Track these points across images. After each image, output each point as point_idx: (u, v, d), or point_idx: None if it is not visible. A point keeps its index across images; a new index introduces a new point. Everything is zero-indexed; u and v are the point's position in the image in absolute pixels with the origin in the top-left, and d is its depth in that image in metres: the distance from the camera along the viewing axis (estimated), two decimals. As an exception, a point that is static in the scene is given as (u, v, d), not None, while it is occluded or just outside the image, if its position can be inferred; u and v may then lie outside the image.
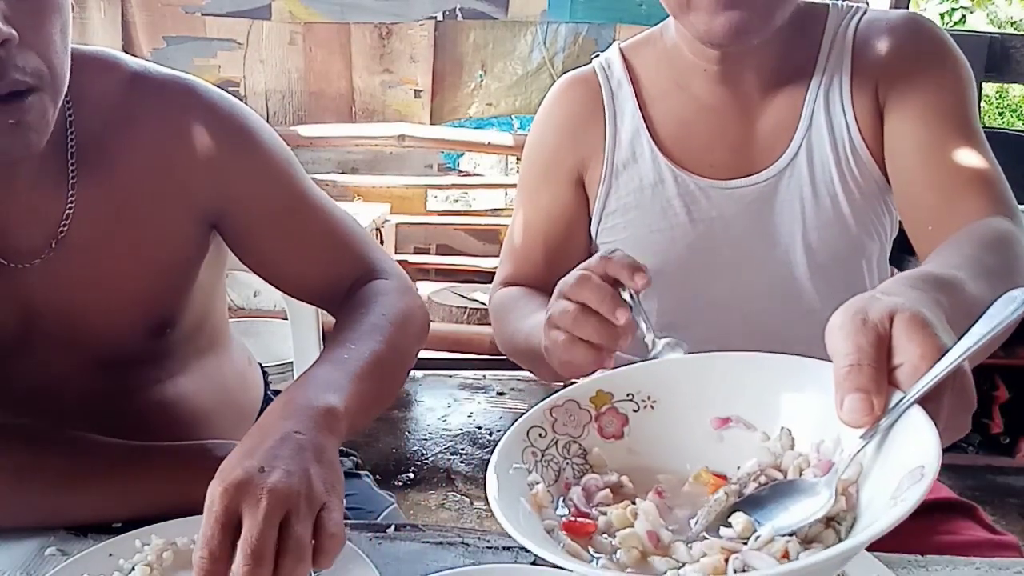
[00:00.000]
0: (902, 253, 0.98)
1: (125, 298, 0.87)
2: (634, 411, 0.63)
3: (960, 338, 0.51)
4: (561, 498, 0.58)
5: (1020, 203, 0.89)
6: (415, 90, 3.24)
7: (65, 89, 0.76)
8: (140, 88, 0.85)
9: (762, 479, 0.56)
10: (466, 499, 2.40)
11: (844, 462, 0.52)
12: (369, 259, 0.95)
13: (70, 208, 0.82)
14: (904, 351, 0.51)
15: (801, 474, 0.56)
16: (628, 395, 0.63)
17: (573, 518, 0.56)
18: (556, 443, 0.61)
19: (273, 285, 0.97)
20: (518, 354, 1.00)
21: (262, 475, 0.62)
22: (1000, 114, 5.99)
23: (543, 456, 0.60)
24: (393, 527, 0.78)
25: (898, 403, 0.50)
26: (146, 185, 0.84)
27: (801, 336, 1.00)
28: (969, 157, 0.89)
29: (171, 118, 0.85)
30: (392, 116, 3.23)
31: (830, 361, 0.53)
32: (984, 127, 0.95)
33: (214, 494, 0.61)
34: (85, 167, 0.82)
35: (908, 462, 0.47)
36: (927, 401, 0.49)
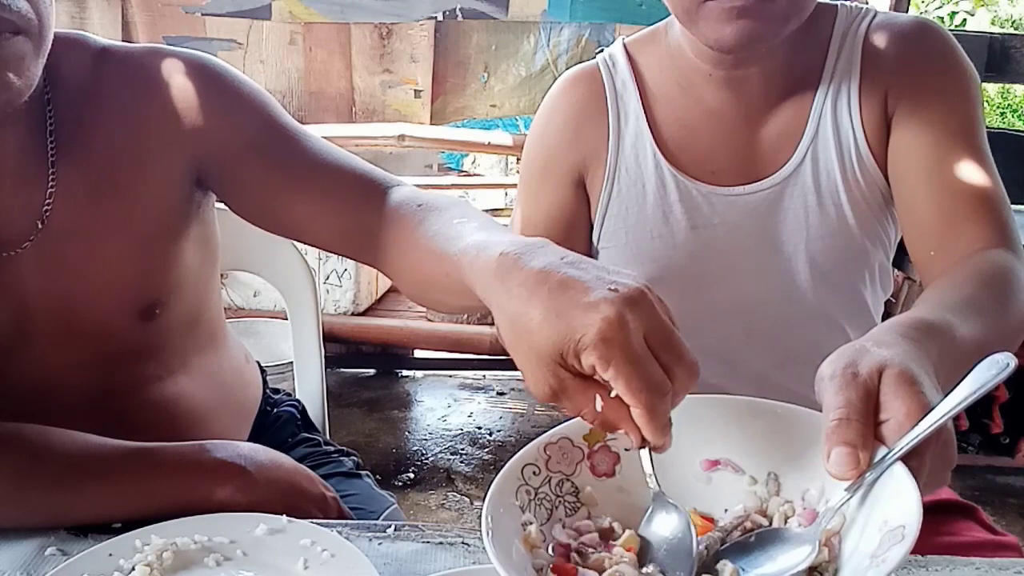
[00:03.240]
0: (903, 254, 0.98)
1: (113, 277, 0.87)
2: (626, 449, 0.63)
3: (944, 397, 0.53)
4: (553, 541, 0.59)
5: (1021, 203, 0.89)
6: (415, 90, 3.23)
7: (49, 44, 0.77)
8: (107, 60, 0.86)
9: (747, 524, 0.58)
10: (466, 499, 2.40)
11: (828, 513, 0.54)
12: (379, 176, 0.88)
13: (51, 189, 0.82)
14: (891, 407, 0.53)
15: (786, 522, 0.57)
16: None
17: (556, 556, 0.57)
18: (549, 481, 0.61)
19: (286, 235, 0.92)
20: None
21: (620, 297, 0.53)
22: (1002, 114, 5.98)
23: (536, 494, 0.60)
24: (393, 527, 0.78)
25: (883, 458, 0.52)
26: (123, 154, 0.85)
27: (803, 344, 1.00)
28: (974, 181, 0.89)
29: (138, 81, 0.86)
30: (392, 116, 3.22)
31: (819, 409, 0.55)
32: (985, 128, 0.94)
33: (611, 325, 0.52)
34: (64, 146, 0.83)
35: (889, 520, 0.49)
36: (910, 457, 0.51)
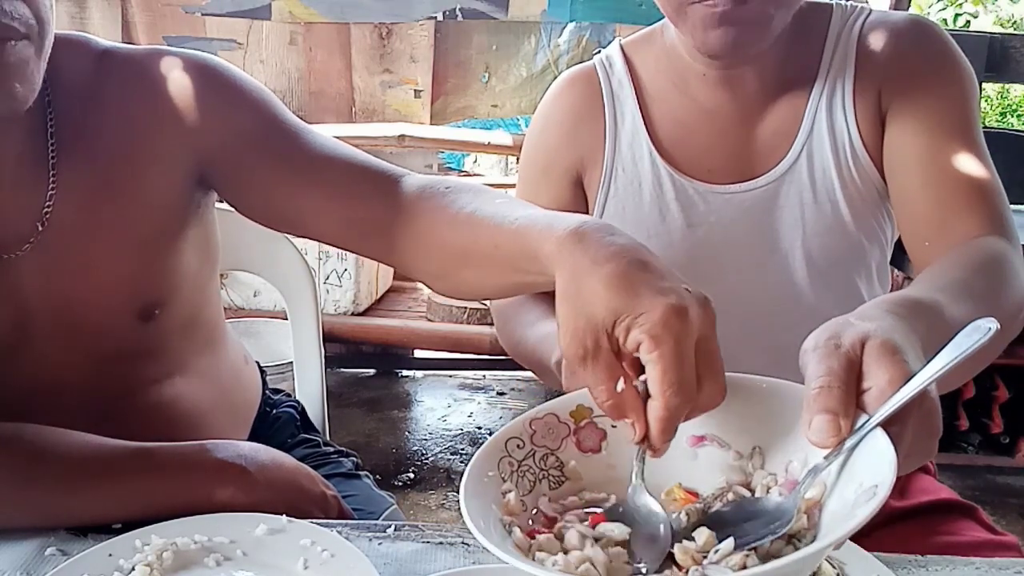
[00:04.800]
0: (902, 253, 0.98)
1: (112, 278, 0.87)
2: (612, 426, 0.63)
3: (927, 363, 0.53)
4: (535, 509, 0.59)
5: (1021, 203, 0.89)
6: (415, 90, 3.23)
7: (50, 47, 0.76)
8: (109, 63, 0.86)
9: (729, 496, 0.58)
10: (466, 499, 2.40)
11: (807, 480, 0.53)
12: (387, 167, 0.88)
13: (52, 190, 0.82)
14: (873, 376, 0.53)
15: (768, 492, 0.57)
16: None
17: (539, 527, 0.57)
18: (533, 455, 0.62)
19: (293, 231, 0.92)
20: (524, 360, 0.99)
21: (690, 296, 0.55)
22: (1001, 114, 5.97)
23: (519, 466, 0.61)
24: (393, 527, 0.78)
25: (863, 425, 0.51)
26: (124, 156, 0.85)
27: (797, 343, 1.00)
28: (969, 171, 0.89)
29: (139, 84, 0.86)
30: (392, 116, 3.22)
31: (803, 384, 0.55)
32: (984, 127, 0.94)
33: (669, 327, 0.53)
34: (64, 148, 0.83)
35: (866, 481, 0.49)
36: (891, 424, 0.51)
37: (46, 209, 0.83)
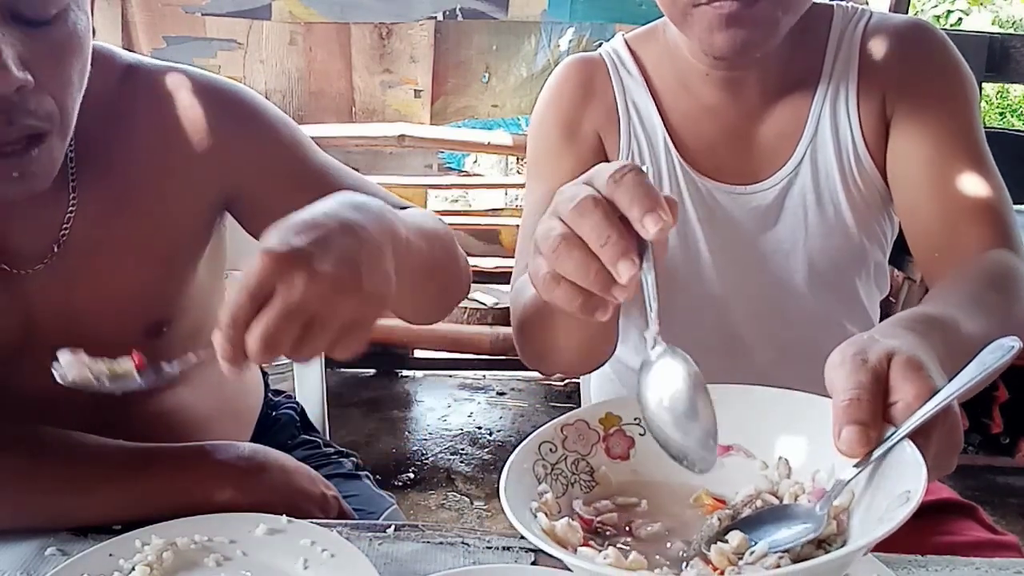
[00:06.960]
0: (902, 253, 0.98)
1: (124, 297, 0.86)
2: (640, 434, 0.65)
3: (951, 379, 0.54)
4: (571, 512, 0.60)
5: (1021, 203, 0.89)
6: (415, 90, 3.23)
7: (73, 125, 0.75)
8: (134, 80, 0.85)
9: (758, 503, 0.59)
10: (466, 499, 2.40)
11: (837, 487, 0.55)
12: (405, 205, 0.91)
13: (71, 210, 0.82)
14: (900, 390, 0.54)
15: (796, 500, 0.58)
16: (636, 419, 0.65)
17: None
18: (565, 459, 0.63)
19: None
20: (532, 319, 0.93)
21: (311, 257, 0.58)
22: (1000, 114, 5.97)
23: (552, 469, 0.62)
24: (393, 527, 0.78)
25: (890, 436, 0.53)
26: (146, 177, 0.84)
27: (800, 340, 1.00)
28: (975, 183, 0.89)
29: (165, 106, 0.85)
30: (392, 116, 3.22)
31: (827, 396, 0.56)
32: (984, 127, 0.94)
33: (256, 262, 0.57)
34: (85, 166, 0.82)
35: (896, 489, 0.50)
36: (917, 436, 0.52)
37: (64, 228, 0.82)
